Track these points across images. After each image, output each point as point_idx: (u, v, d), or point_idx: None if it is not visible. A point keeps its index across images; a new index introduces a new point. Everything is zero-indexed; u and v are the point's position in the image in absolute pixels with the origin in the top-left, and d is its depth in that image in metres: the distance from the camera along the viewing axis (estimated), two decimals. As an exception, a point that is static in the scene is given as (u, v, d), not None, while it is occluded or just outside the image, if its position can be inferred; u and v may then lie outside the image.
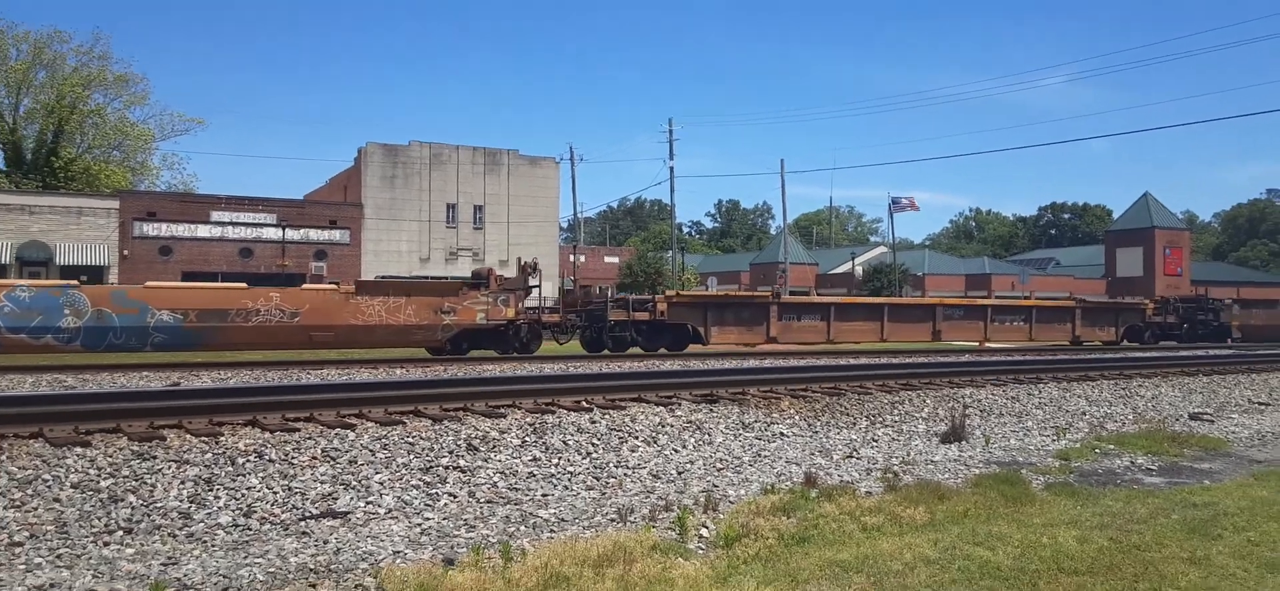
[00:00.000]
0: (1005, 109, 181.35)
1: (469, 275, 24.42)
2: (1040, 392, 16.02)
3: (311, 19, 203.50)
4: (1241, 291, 79.19)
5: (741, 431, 11.36)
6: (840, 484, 9.04)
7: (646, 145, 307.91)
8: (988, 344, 31.27)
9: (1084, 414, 14.81)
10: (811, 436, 11.53)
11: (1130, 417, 14.74)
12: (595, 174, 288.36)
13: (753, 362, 20.41)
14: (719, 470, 9.61)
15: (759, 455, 10.34)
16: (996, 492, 8.87)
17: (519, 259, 26.41)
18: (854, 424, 12.50)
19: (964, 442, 11.69)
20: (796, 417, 12.40)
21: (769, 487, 8.76)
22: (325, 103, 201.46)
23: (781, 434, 11.48)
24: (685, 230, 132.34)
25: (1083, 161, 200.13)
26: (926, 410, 13.73)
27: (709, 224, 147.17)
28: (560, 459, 9.66)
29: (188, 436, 8.86)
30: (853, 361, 20.51)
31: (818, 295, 47.60)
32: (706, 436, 10.96)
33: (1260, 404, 17.01)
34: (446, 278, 29.80)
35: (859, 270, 76.60)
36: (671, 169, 57.26)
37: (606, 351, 24.24)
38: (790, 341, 26.87)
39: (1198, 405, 16.40)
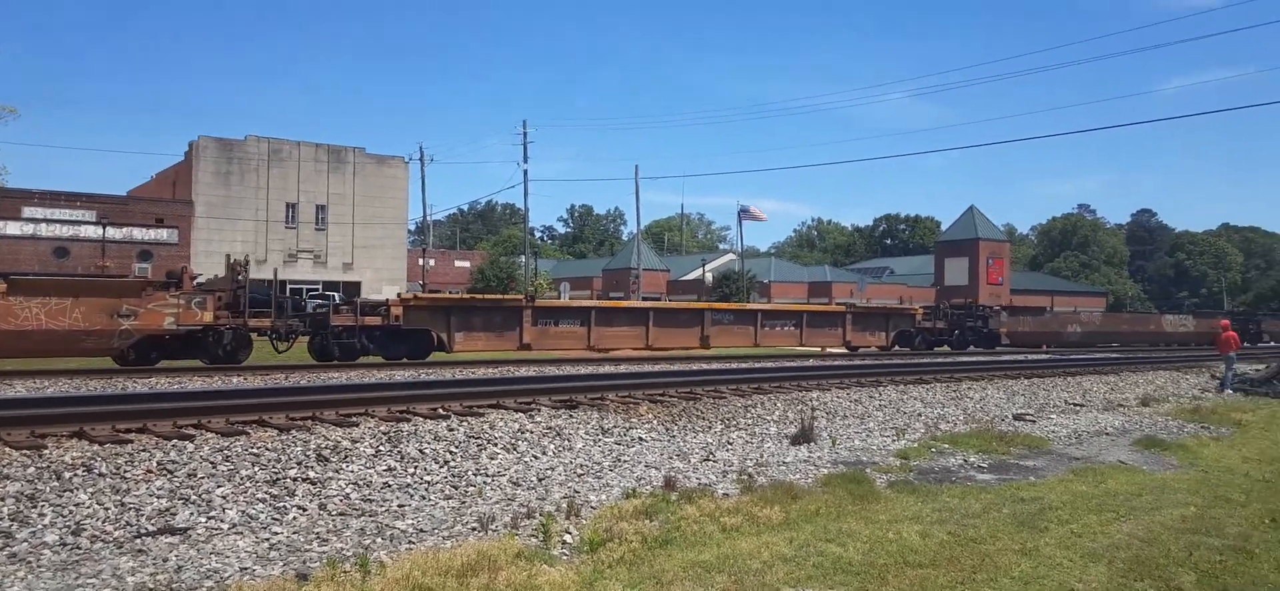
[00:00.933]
0: (846, 123, 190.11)
1: (164, 275, 21.36)
2: (880, 395, 16.80)
3: (138, 2, 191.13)
4: (1054, 300, 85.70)
5: (601, 436, 11.40)
6: (699, 486, 9.21)
7: (499, 147, 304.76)
8: (828, 348, 32.35)
9: (920, 415, 15.64)
10: (670, 440, 11.70)
11: (961, 418, 15.67)
12: (445, 175, 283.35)
13: (608, 368, 20.50)
14: (580, 475, 9.60)
15: (619, 460, 10.40)
16: (845, 491, 9.25)
17: (228, 256, 24.28)
18: (710, 427, 12.77)
19: (813, 444, 12.13)
20: (655, 422, 12.55)
21: (630, 492, 8.83)
22: (153, 93, 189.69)
23: (640, 438, 11.59)
24: (538, 234, 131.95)
25: (916, 175, 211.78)
26: (777, 413, 14.16)
27: (562, 229, 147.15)
28: (417, 468, 9.42)
29: (6, 449, 8.13)
30: (706, 367, 20.93)
31: (574, 299, 47.62)
32: (567, 442, 10.94)
33: (1075, 405, 18.42)
34: (129, 277, 26.02)
35: (709, 276, 78.35)
36: (526, 172, 56.91)
37: (336, 360, 21.90)
38: (547, 348, 25.33)
39: (1021, 406, 17.60)
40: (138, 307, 19.15)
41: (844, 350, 32.92)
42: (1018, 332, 41.45)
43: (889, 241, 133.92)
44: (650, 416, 12.81)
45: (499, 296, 25.82)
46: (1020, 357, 29.50)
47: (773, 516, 7.99)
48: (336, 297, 23.57)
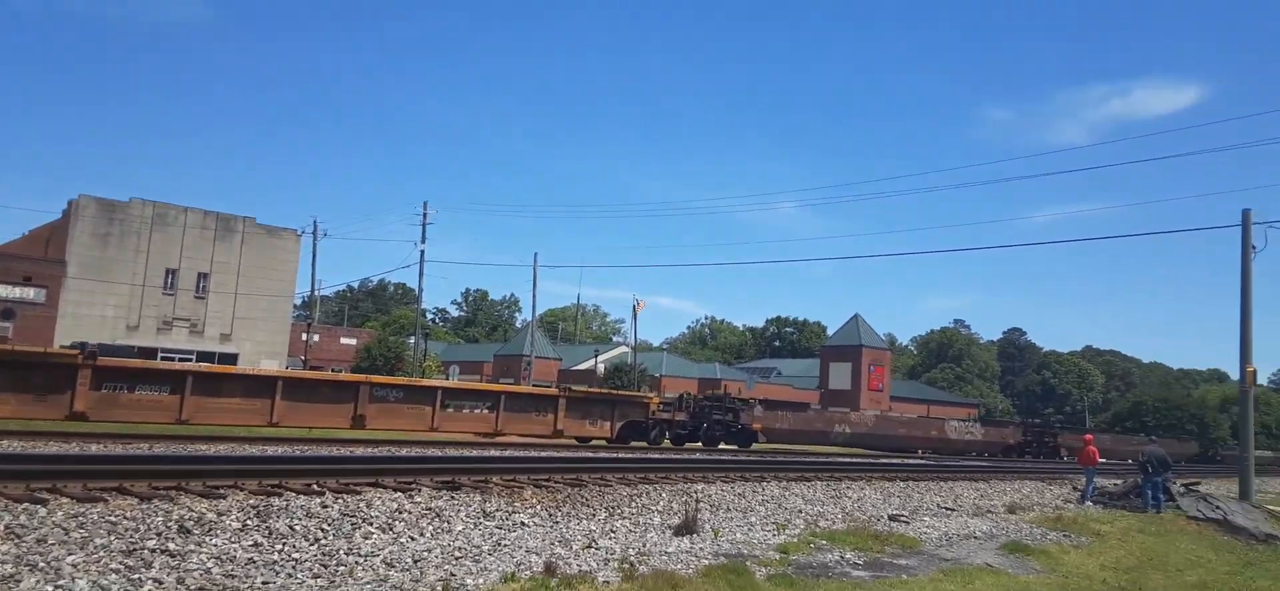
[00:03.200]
0: (740, 227, 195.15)
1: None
2: (763, 490, 17.03)
3: (13, 49, 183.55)
4: (930, 409, 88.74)
5: (482, 519, 11.20)
6: (580, 573, 9.13)
7: (395, 226, 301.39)
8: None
9: (801, 511, 15.89)
10: (553, 526, 11.57)
11: (840, 516, 15.99)
12: (339, 251, 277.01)
13: (495, 451, 20.20)
14: (458, 558, 9.39)
15: (499, 544, 10.22)
16: (725, 582, 9.32)
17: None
18: (594, 515, 12.69)
19: (696, 535, 12.18)
20: (538, 507, 12.41)
21: (509, 576, 8.69)
22: (30, 149, 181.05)
23: (523, 523, 11.43)
24: (430, 317, 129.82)
25: (806, 282, 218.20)
26: (661, 503, 14.19)
27: (455, 312, 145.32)
28: (285, 544, 9.05)
29: None
30: (592, 454, 20.82)
31: (166, 361, 34.95)
32: (446, 524, 10.70)
33: (947, 509, 19.02)
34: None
35: (601, 367, 78.35)
36: (422, 252, 56.22)
37: None
38: (116, 419, 20.12)
39: (896, 507, 18.08)
40: None
41: (548, 436, 27.90)
42: (775, 430, 37.11)
43: (778, 343, 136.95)
44: (534, 501, 12.67)
45: (41, 351, 20.04)
46: (896, 462, 30.25)
47: (651, 604, 7.97)
48: None
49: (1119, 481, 27.98)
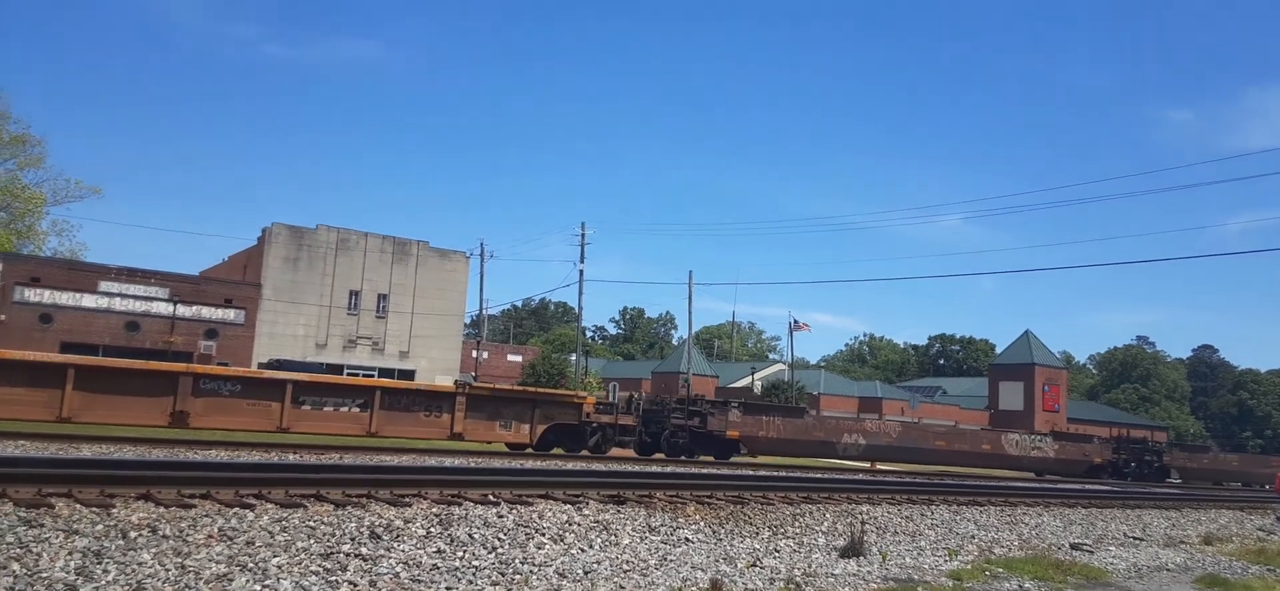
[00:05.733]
0: (901, 240, 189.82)
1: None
2: (932, 513, 16.50)
3: (219, 92, 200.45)
4: (1114, 431, 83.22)
5: (648, 534, 11.39)
6: (746, 591, 9.16)
7: (555, 247, 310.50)
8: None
9: (973, 537, 15.31)
10: (716, 543, 11.63)
11: (1016, 543, 15.30)
12: (502, 271, 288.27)
13: (655, 467, 20.44)
14: (626, 571, 9.60)
15: (665, 559, 10.38)
16: (895, 606, 9.11)
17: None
18: (757, 533, 12.67)
19: (862, 557, 11.96)
20: (701, 523, 12.50)
21: (676, 591, 8.81)
22: (229, 180, 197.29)
23: (687, 539, 11.55)
24: (589, 334, 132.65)
25: (971, 296, 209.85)
26: (825, 524, 14.00)
27: (613, 330, 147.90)
28: (466, 552, 9.50)
29: (77, 506, 8.44)
30: (752, 472, 20.73)
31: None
32: (613, 537, 10.95)
33: (1135, 539, 17.86)
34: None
35: (758, 385, 77.88)
36: (581, 272, 57.66)
37: None
38: None
39: (1078, 535, 17.13)
40: None
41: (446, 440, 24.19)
42: (759, 439, 30.29)
43: (942, 361, 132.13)
44: (697, 517, 12.77)
45: None
46: (1075, 487, 28.57)
47: (820, 625, 7.90)
48: None
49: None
